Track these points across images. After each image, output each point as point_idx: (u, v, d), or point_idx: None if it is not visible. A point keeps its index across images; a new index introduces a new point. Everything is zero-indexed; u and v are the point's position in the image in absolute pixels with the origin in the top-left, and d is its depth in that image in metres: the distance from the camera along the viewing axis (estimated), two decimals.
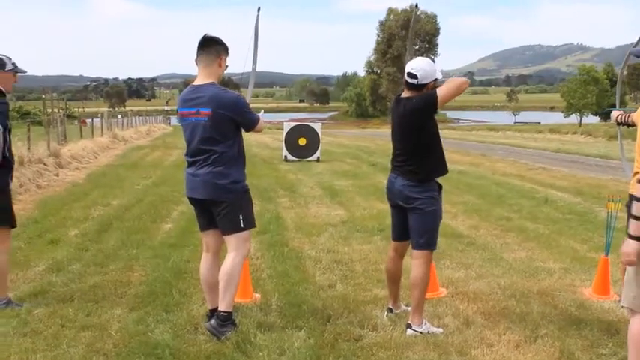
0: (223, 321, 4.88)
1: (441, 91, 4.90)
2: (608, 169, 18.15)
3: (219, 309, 4.94)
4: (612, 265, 6.26)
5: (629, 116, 5.69)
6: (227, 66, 5.06)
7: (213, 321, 4.92)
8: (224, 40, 4.99)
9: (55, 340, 4.86)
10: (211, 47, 4.91)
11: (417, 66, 5.00)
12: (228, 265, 4.94)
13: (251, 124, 5.02)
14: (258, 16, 5.69)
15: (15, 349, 4.67)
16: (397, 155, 5.17)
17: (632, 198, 3.70)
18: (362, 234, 8.84)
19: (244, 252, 5.05)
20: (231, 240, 4.99)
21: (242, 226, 4.96)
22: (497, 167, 19.52)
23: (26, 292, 6.05)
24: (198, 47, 4.93)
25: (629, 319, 3.82)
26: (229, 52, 5.02)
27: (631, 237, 3.63)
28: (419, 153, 5.02)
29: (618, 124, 5.94)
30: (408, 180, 5.04)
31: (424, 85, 4.98)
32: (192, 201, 5.08)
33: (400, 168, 5.12)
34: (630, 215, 3.66)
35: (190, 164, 5.00)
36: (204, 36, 4.94)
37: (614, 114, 6.05)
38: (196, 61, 4.96)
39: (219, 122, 4.82)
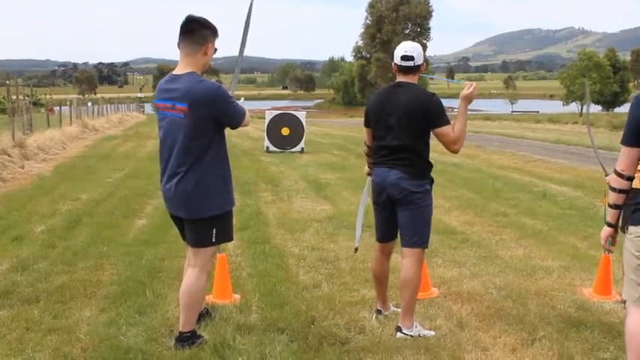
0: (186, 341, 4.75)
1: (456, 131, 5.04)
2: (611, 161, 18.18)
3: (180, 330, 4.81)
4: (614, 263, 6.29)
5: None
6: (216, 49, 4.72)
7: (177, 343, 4.77)
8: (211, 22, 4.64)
9: (19, 344, 4.83)
10: (195, 33, 4.57)
11: (411, 47, 5.13)
12: (192, 286, 4.76)
13: (235, 119, 4.67)
14: (251, 5, 5.22)
15: None
16: (394, 149, 5.09)
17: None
18: (349, 230, 8.82)
19: (209, 268, 4.96)
20: (198, 253, 4.79)
21: (213, 240, 4.76)
22: (494, 159, 19.60)
23: None
24: (181, 31, 4.60)
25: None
26: (217, 31, 4.67)
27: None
28: (421, 144, 5.06)
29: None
30: (405, 173, 5.02)
31: (419, 67, 5.11)
32: (172, 216, 4.93)
33: (393, 161, 5.07)
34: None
35: (164, 169, 4.73)
36: (188, 18, 4.60)
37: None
38: (179, 45, 4.64)
39: (197, 120, 4.51)
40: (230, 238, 5.02)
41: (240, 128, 4.88)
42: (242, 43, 5.18)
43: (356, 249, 5.90)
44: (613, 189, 3.95)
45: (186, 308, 4.79)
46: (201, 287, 4.83)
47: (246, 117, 4.76)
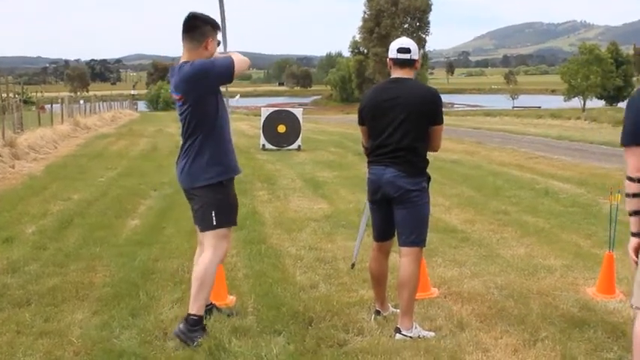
0: (193, 325, 4.86)
1: (438, 139, 5.16)
2: (613, 157, 18.23)
3: (188, 312, 4.93)
4: (618, 261, 6.29)
5: None
6: (219, 42, 5.03)
7: (182, 325, 4.89)
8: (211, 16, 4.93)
9: (10, 348, 4.82)
10: (195, 30, 4.86)
11: (407, 41, 5.18)
12: (203, 266, 4.94)
13: (225, 76, 4.90)
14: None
15: None
16: (391, 147, 5.08)
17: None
18: (347, 229, 8.81)
19: (222, 251, 5.08)
20: (208, 237, 5.02)
21: (214, 223, 4.96)
22: (494, 156, 19.61)
23: None
24: (183, 28, 4.88)
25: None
26: (218, 26, 4.98)
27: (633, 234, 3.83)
28: (420, 141, 5.04)
29: None
30: (400, 171, 5.01)
31: (415, 61, 5.12)
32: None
33: (389, 159, 5.06)
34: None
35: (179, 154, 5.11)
36: (189, 16, 4.89)
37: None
38: (182, 40, 4.92)
39: (192, 104, 4.84)
40: (231, 222, 5.14)
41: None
42: (223, 38, 5.34)
43: (352, 265, 5.95)
44: (628, 195, 3.82)
45: (198, 290, 4.92)
46: (212, 269, 4.97)
47: (238, 63, 4.87)
